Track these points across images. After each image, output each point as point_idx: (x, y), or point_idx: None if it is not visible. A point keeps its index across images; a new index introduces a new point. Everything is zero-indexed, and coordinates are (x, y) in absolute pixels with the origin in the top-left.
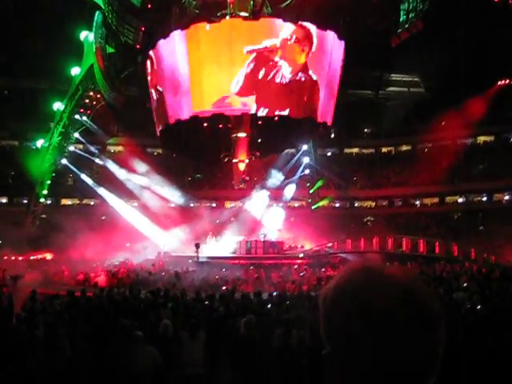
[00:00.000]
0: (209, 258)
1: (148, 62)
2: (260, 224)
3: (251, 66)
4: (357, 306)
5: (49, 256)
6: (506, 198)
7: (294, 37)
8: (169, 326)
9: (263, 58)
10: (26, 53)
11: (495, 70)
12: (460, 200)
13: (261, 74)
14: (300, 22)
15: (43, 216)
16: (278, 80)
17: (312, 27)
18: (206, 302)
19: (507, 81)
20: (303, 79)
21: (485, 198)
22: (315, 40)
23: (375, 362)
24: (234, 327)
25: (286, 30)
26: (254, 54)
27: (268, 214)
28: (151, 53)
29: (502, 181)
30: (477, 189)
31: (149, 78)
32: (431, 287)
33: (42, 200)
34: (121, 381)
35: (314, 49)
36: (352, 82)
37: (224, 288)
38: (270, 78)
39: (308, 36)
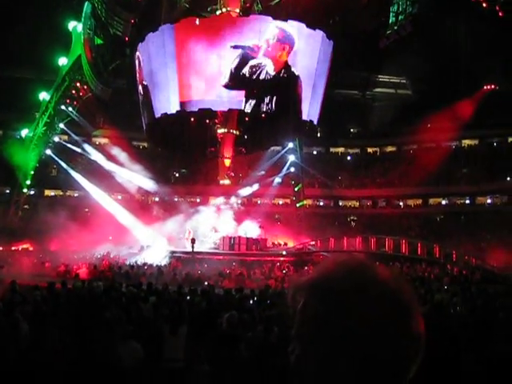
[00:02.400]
0: (189, 253)
1: (136, 60)
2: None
3: (236, 61)
4: (333, 295)
5: (30, 247)
6: (489, 201)
7: (276, 37)
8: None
9: (247, 56)
10: (12, 41)
11: (482, 75)
12: (443, 202)
13: (246, 70)
14: (280, 27)
15: (26, 207)
16: (262, 77)
17: (300, 25)
18: (188, 297)
19: (493, 86)
20: (286, 75)
21: (468, 201)
22: (299, 39)
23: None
24: (215, 323)
25: (269, 30)
26: (239, 51)
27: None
28: (138, 53)
29: (484, 184)
30: (460, 192)
31: (137, 74)
32: (412, 287)
33: (25, 190)
34: (104, 375)
35: (298, 47)
36: (339, 81)
37: (206, 283)
38: (255, 76)
39: (288, 36)
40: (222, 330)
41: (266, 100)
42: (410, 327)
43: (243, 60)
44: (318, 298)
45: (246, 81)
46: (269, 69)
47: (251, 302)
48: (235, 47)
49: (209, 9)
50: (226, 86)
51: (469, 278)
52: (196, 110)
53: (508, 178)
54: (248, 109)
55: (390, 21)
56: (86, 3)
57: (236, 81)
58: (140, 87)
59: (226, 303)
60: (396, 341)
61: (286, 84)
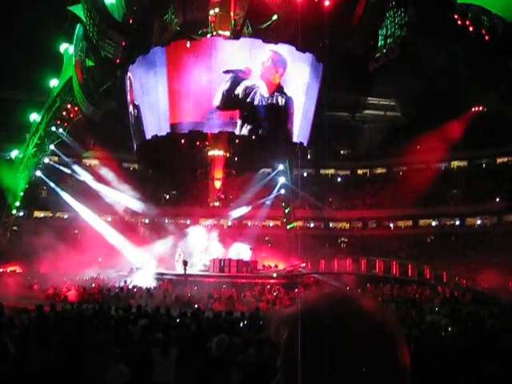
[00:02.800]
0: (181, 275)
1: (127, 82)
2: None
3: (228, 84)
4: (319, 327)
5: (19, 269)
6: (478, 222)
7: (270, 60)
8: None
9: (238, 78)
10: (4, 62)
11: (470, 97)
12: (433, 223)
13: (239, 91)
14: (275, 50)
15: (15, 228)
16: (256, 102)
17: (290, 48)
18: (178, 320)
19: (481, 107)
20: (279, 98)
21: (457, 222)
22: (290, 62)
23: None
24: (205, 346)
25: (263, 53)
26: (230, 74)
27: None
28: (129, 75)
29: (474, 205)
30: (450, 213)
31: (128, 96)
32: (403, 309)
33: (14, 212)
34: None
35: (289, 70)
36: (329, 103)
37: (196, 306)
38: (249, 97)
39: (282, 60)
40: (211, 353)
41: (262, 123)
42: (397, 358)
43: (235, 82)
44: (303, 330)
45: (239, 102)
46: (262, 91)
47: (241, 324)
48: (227, 72)
49: (200, 32)
50: (219, 108)
51: (459, 299)
52: (187, 131)
53: (497, 199)
54: (244, 132)
55: (379, 44)
56: (78, 25)
57: (228, 102)
58: (131, 109)
59: (216, 326)
60: (382, 372)
61: (279, 106)
